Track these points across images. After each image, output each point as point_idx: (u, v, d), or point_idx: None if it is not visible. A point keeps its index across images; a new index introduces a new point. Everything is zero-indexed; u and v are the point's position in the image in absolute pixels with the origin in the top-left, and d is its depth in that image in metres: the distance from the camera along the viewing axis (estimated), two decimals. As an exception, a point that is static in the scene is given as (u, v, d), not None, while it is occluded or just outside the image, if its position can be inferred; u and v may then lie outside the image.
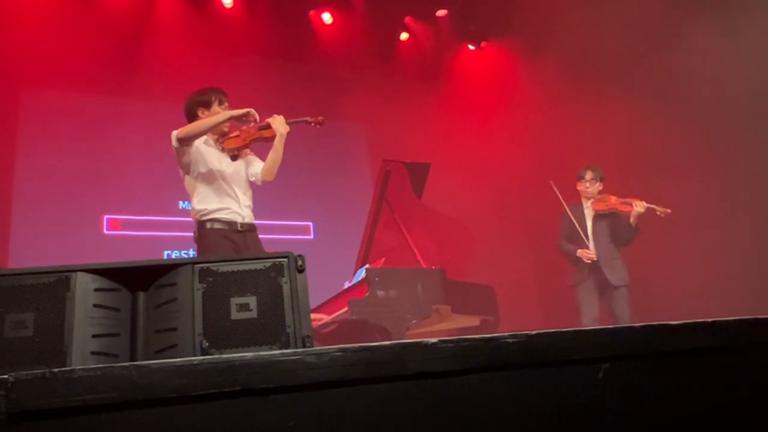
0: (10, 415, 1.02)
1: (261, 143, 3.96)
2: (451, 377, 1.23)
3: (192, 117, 3.89)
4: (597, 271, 5.08)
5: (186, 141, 3.74)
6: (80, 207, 6.51)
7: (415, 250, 4.99)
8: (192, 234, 3.88)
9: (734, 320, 1.45)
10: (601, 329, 1.37)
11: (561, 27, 6.72)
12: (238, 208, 3.83)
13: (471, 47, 8.94)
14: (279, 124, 3.87)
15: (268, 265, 1.71)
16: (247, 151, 4.03)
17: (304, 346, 1.61)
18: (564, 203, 5.31)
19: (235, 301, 1.65)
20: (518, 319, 5.78)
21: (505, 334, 1.30)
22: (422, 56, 8.51)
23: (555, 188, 5.32)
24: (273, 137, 3.87)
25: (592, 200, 5.25)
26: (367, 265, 4.68)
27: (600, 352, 1.33)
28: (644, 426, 1.32)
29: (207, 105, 3.89)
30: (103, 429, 1.07)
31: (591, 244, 5.15)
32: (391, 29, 8.49)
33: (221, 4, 7.57)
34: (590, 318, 5.04)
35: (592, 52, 6.49)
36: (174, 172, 3.97)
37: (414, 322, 4.46)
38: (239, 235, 3.79)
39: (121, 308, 1.66)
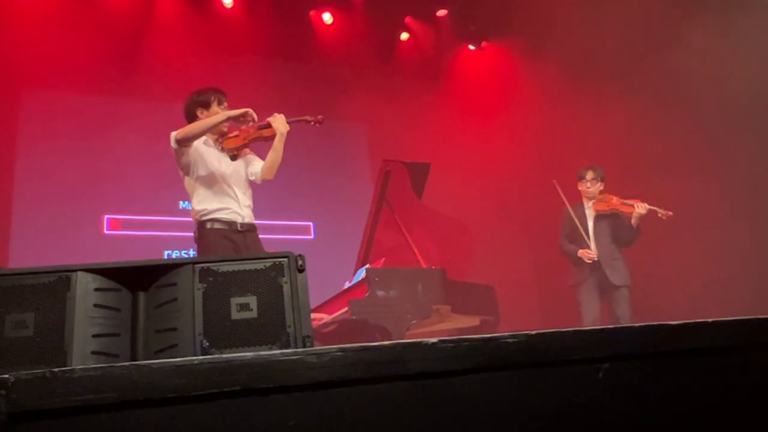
0: (11, 415, 1.02)
1: (261, 142, 3.96)
2: (451, 377, 1.23)
3: (191, 117, 3.89)
4: (598, 271, 5.08)
5: (184, 142, 3.73)
6: (80, 207, 6.51)
7: (415, 250, 4.99)
8: (192, 234, 3.88)
9: (734, 320, 1.45)
10: (601, 329, 1.37)
11: (561, 27, 6.72)
12: (238, 208, 3.83)
13: (471, 47, 8.94)
14: (279, 123, 3.87)
15: (268, 265, 1.71)
16: (247, 150, 4.03)
17: (304, 346, 1.61)
18: (566, 202, 5.31)
19: (236, 300, 1.65)
20: (518, 319, 5.78)
21: (505, 334, 1.30)
22: (422, 56, 8.51)
23: (558, 187, 5.32)
24: (273, 136, 3.87)
25: (593, 200, 5.25)
26: (367, 265, 4.68)
27: (600, 352, 1.33)
28: (644, 426, 1.32)
29: (206, 105, 3.89)
30: (104, 429, 1.07)
31: (592, 244, 5.15)
32: (391, 29, 8.49)
33: (221, 4, 7.57)
34: (591, 318, 5.04)
35: (592, 52, 6.49)
36: (174, 172, 3.97)
37: (414, 322, 4.46)
38: (239, 235, 3.79)
39: (122, 308, 1.66)
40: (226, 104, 3.92)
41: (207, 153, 3.85)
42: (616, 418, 1.31)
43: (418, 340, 1.25)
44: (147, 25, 7.16)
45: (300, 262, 1.72)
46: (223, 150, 3.93)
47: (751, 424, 1.38)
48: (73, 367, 1.26)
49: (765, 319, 1.45)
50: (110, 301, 1.65)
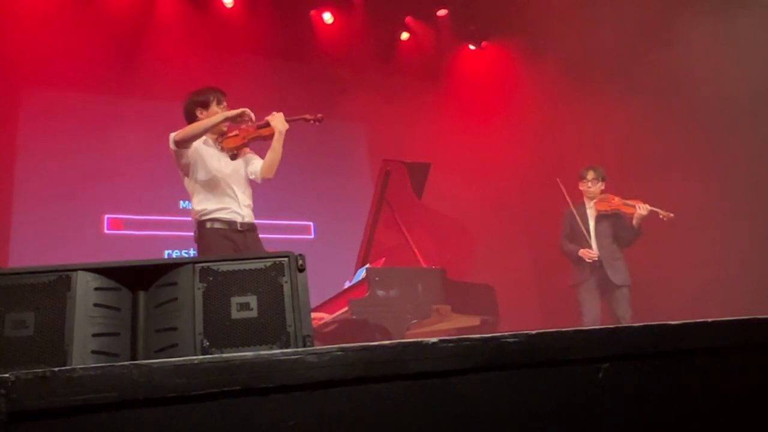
0: (11, 414, 1.02)
1: (262, 142, 3.96)
2: (451, 377, 1.23)
3: (191, 117, 3.89)
4: (599, 271, 5.08)
5: (182, 144, 3.74)
6: (80, 206, 6.51)
7: (415, 250, 4.99)
8: (192, 234, 3.89)
9: (734, 320, 1.45)
10: (601, 329, 1.37)
11: (561, 27, 6.72)
12: (238, 208, 3.83)
13: (471, 47, 8.94)
14: (278, 121, 3.87)
15: (268, 264, 1.71)
16: (247, 149, 4.03)
17: (304, 346, 1.61)
18: (570, 201, 5.31)
19: (236, 300, 1.65)
20: (518, 318, 5.78)
21: (505, 333, 1.30)
22: (422, 56, 8.50)
23: (561, 186, 5.32)
24: (272, 135, 3.87)
25: (594, 200, 5.25)
26: (367, 265, 4.68)
27: (600, 352, 1.33)
28: (644, 426, 1.32)
29: (205, 105, 3.89)
30: (104, 428, 1.07)
31: (593, 244, 5.15)
32: (392, 29, 8.49)
33: (222, 3, 7.57)
34: (591, 318, 5.04)
35: (592, 52, 6.49)
36: (174, 171, 3.97)
37: (414, 321, 4.46)
38: (239, 235, 3.79)
39: (122, 307, 1.66)
40: (225, 104, 3.92)
41: (206, 153, 3.85)
42: (616, 418, 1.31)
43: (418, 339, 1.25)
44: (147, 25, 7.16)
45: (300, 262, 1.72)
46: (222, 150, 3.93)
47: (751, 424, 1.38)
48: (73, 366, 1.26)
49: (765, 319, 1.46)
50: (110, 300, 1.65)
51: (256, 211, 3.99)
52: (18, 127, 6.54)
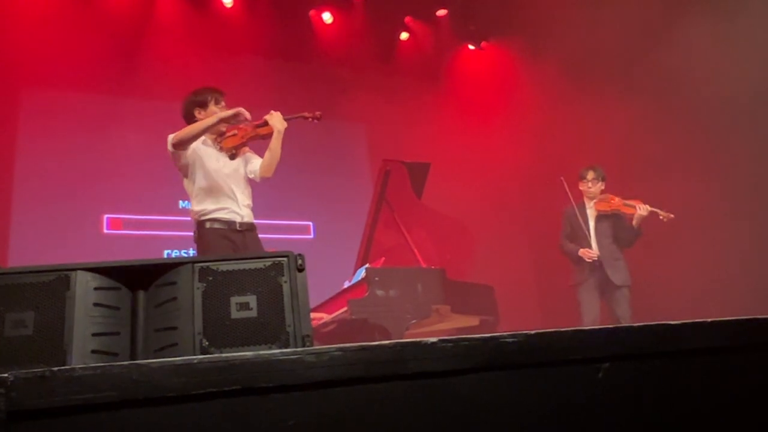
0: (10, 413, 1.02)
1: (261, 141, 3.96)
2: (450, 377, 1.23)
3: (189, 117, 3.89)
4: (599, 271, 5.09)
5: (180, 146, 3.74)
6: (80, 206, 6.51)
7: (415, 250, 4.99)
8: (192, 234, 3.89)
9: (734, 320, 1.45)
10: (601, 329, 1.37)
11: (561, 27, 6.72)
12: (237, 208, 3.83)
13: (471, 47, 8.94)
14: (276, 120, 3.87)
15: (268, 264, 1.71)
16: (246, 149, 4.03)
17: (303, 346, 1.61)
18: (573, 200, 5.30)
19: (235, 300, 1.65)
20: (518, 318, 5.78)
21: (505, 333, 1.30)
22: (422, 56, 8.50)
23: (566, 185, 5.31)
24: (271, 134, 3.87)
25: (594, 200, 5.25)
26: (366, 265, 4.68)
27: (600, 352, 1.33)
28: (644, 426, 1.32)
29: (203, 105, 3.89)
30: (103, 428, 1.07)
31: (593, 244, 5.15)
32: (391, 29, 8.49)
33: (221, 3, 7.57)
34: (590, 318, 5.05)
35: (592, 52, 6.49)
36: (174, 171, 3.97)
37: (413, 321, 4.46)
38: (238, 235, 3.79)
39: (121, 307, 1.66)
40: (223, 103, 3.92)
41: (205, 153, 3.85)
42: (616, 418, 1.31)
43: (418, 339, 1.25)
44: (147, 24, 7.16)
45: (300, 262, 1.72)
46: (221, 149, 3.93)
47: (750, 424, 1.38)
48: (72, 366, 1.26)
49: (765, 319, 1.46)
50: (110, 300, 1.65)
51: (256, 210, 3.99)
52: (18, 127, 6.54)
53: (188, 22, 7.29)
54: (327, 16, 8.13)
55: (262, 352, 1.18)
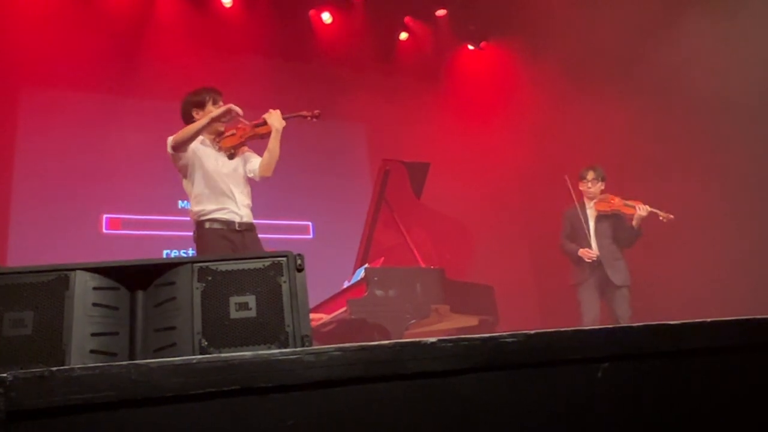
0: (9, 413, 1.02)
1: (260, 140, 3.95)
2: (449, 377, 1.23)
3: (187, 118, 3.89)
4: (599, 271, 5.09)
5: (179, 148, 3.75)
6: (79, 206, 6.50)
7: (414, 250, 4.99)
8: (191, 234, 3.89)
9: (733, 320, 1.45)
10: (600, 329, 1.37)
11: (561, 27, 6.72)
12: (236, 208, 3.83)
13: (471, 47, 8.94)
14: (274, 119, 3.87)
15: (267, 264, 1.71)
16: (245, 148, 4.03)
17: (303, 346, 1.61)
18: (576, 200, 5.30)
19: (234, 300, 1.65)
20: (517, 318, 5.78)
21: (504, 333, 1.29)
22: (422, 56, 8.50)
23: (569, 184, 5.31)
24: (269, 133, 3.86)
25: (594, 200, 5.25)
26: (366, 265, 4.68)
27: (599, 351, 1.33)
28: (643, 426, 1.32)
29: (201, 105, 3.90)
30: (102, 428, 1.07)
31: (593, 244, 5.15)
32: (391, 29, 8.49)
33: (221, 3, 7.56)
34: (590, 317, 5.05)
35: (592, 52, 6.49)
36: (173, 171, 3.97)
37: (413, 321, 4.46)
38: (237, 235, 3.79)
39: (120, 307, 1.66)
40: (221, 103, 3.91)
41: (204, 153, 3.85)
42: (615, 418, 1.31)
43: (417, 339, 1.25)
44: (146, 24, 7.15)
45: (299, 262, 1.72)
46: (220, 149, 3.93)
47: (750, 424, 1.38)
48: (71, 365, 1.26)
49: (765, 319, 1.45)
50: (109, 300, 1.65)
51: (255, 210, 3.98)
52: (17, 127, 6.54)
53: (188, 21, 7.29)
54: (326, 16, 8.12)
55: (261, 352, 1.18)
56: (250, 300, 1.65)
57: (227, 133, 3.94)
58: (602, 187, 5.27)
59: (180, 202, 6.73)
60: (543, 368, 1.29)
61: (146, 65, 6.94)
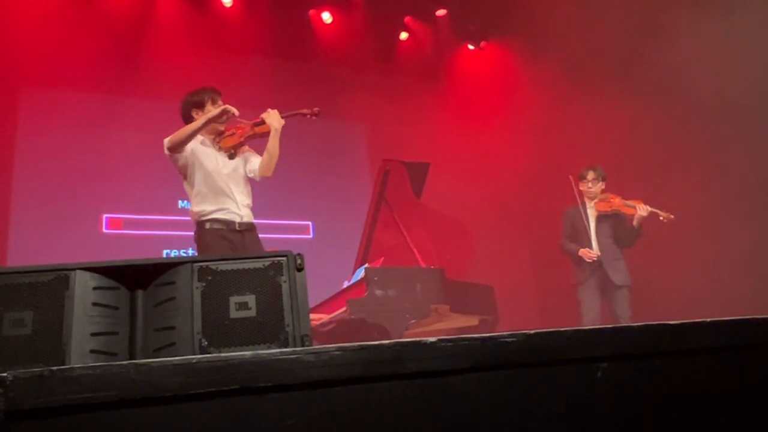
0: (8, 413, 1.02)
1: (260, 139, 3.95)
2: (449, 376, 1.23)
3: (187, 118, 3.90)
4: (599, 271, 5.09)
5: (175, 149, 3.75)
6: (79, 206, 6.50)
7: (414, 250, 4.99)
8: (192, 233, 3.89)
9: (733, 320, 1.45)
10: (600, 329, 1.37)
11: (561, 27, 6.72)
12: (236, 208, 3.82)
13: (471, 47, 8.94)
14: (273, 119, 3.86)
15: (267, 263, 1.71)
16: (245, 147, 4.02)
17: (302, 345, 1.61)
18: (580, 199, 5.30)
19: (234, 299, 1.65)
20: (517, 318, 5.78)
21: (504, 333, 1.30)
22: (422, 56, 8.50)
23: (573, 183, 5.31)
24: (269, 132, 3.86)
25: (595, 200, 5.25)
26: (366, 265, 4.68)
27: (598, 351, 1.33)
28: (642, 426, 1.32)
29: (200, 105, 3.89)
30: (102, 427, 1.07)
31: (594, 244, 5.15)
32: (391, 29, 8.49)
33: (221, 3, 7.56)
34: (590, 317, 5.05)
35: (592, 52, 6.49)
36: (173, 171, 3.97)
37: (413, 321, 4.46)
38: (237, 235, 3.79)
39: (120, 307, 1.66)
40: (220, 103, 3.91)
41: (204, 154, 3.85)
42: (615, 418, 1.31)
43: (417, 339, 1.25)
44: (146, 24, 7.15)
45: (299, 261, 1.72)
46: (220, 149, 3.93)
47: (750, 424, 1.38)
48: (71, 365, 1.26)
49: (765, 319, 1.45)
50: (109, 299, 1.65)
51: (255, 210, 3.98)
52: (17, 126, 6.53)
53: (188, 21, 7.29)
54: (326, 16, 8.12)
55: (260, 352, 1.18)
56: (250, 300, 1.65)
57: (227, 133, 3.94)
58: (603, 187, 5.27)
59: (180, 202, 6.73)
60: (543, 368, 1.29)
61: (146, 65, 6.94)
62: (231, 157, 3.93)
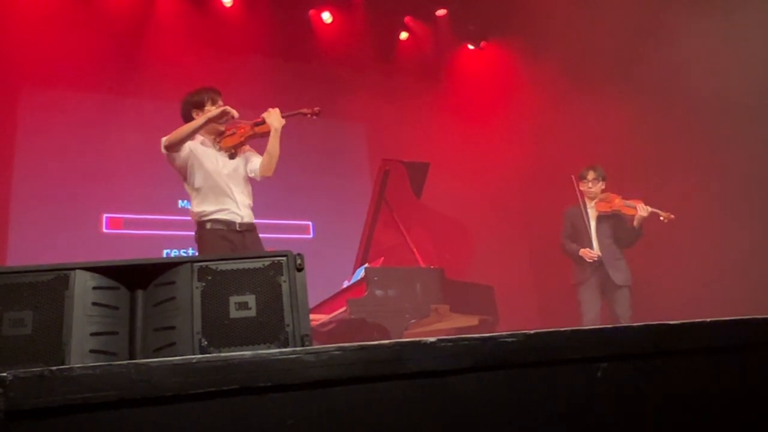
0: (8, 413, 1.02)
1: (261, 139, 3.95)
2: (449, 376, 1.23)
3: (187, 118, 3.90)
4: (600, 271, 5.09)
5: (172, 148, 3.75)
6: (79, 205, 6.50)
7: (414, 250, 4.98)
8: (192, 233, 3.89)
9: (732, 320, 1.45)
10: (600, 329, 1.37)
11: (561, 27, 6.72)
12: (237, 209, 3.82)
13: (471, 47, 8.94)
14: (273, 118, 3.86)
15: (267, 263, 1.71)
16: (246, 147, 4.02)
17: (302, 345, 1.61)
18: (581, 198, 5.30)
19: (234, 299, 1.65)
20: (516, 318, 5.78)
21: (504, 333, 1.29)
22: (422, 56, 8.50)
23: (575, 183, 5.30)
24: (269, 132, 3.86)
25: (595, 200, 5.25)
26: (366, 265, 4.68)
27: (598, 351, 1.33)
28: (641, 425, 1.32)
29: (200, 106, 3.89)
30: (102, 427, 1.07)
31: (594, 244, 5.15)
32: (391, 29, 8.49)
33: (221, 3, 7.56)
34: (590, 317, 5.05)
35: (592, 52, 6.49)
36: (173, 171, 3.97)
37: (413, 321, 4.46)
38: (238, 236, 3.79)
39: (120, 306, 1.66)
40: (220, 103, 3.91)
41: (204, 154, 3.85)
42: (615, 418, 1.31)
43: (417, 339, 1.25)
44: (146, 24, 7.15)
45: (299, 261, 1.72)
46: (220, 150, 3.93)
47: (750, 424, 1.38)
48: (71, 365, 1.26)
49: (765, 319, 1.45)
50: (109, 299, 1.64)
51: (255, 210, 3.98)
52: (17, 126, 6.53)
53: (188, 21, 7.29)
54: (326, 16, 8.12)
55: (260, 352, 1.18)
56: (250, 299, 1.65)
57: (227, 133, 3.94)
58: (603, 187, 5.27)
59: (180, 201, 6.73)
60: (542, 368, 1.29)
61: (146, 65, 6.94)
62: (231, 157, 3.93)
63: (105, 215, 6.69)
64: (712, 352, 1.41)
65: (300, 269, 1.71)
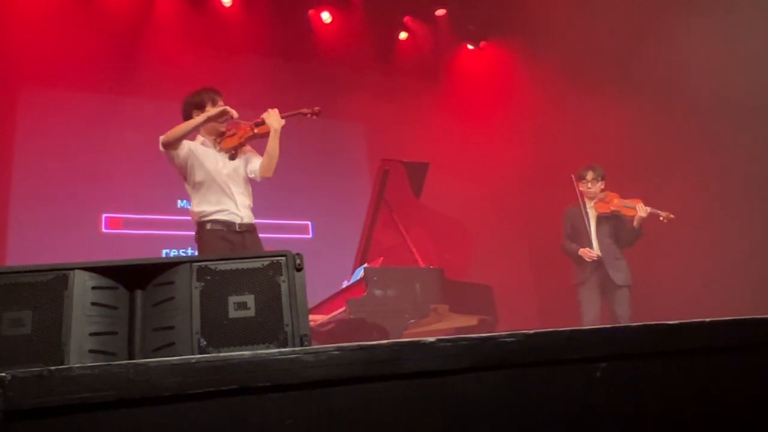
0: (7, 413, 1.02)
1: (261, 140, 3.95)
2: (448, 376, 1.23)
3: (188, 119, 3.89)
4: (600, 271, 5.09)
5: (169, 146, 3.74)
6: (78, 205, 6.50)
7: (414, 250, 4.98)
8: (191, 233, 3.89)
9: (732, 320, 1.44)
10: (599, 329, 1.37)
11: (560, 27, 6.72)
12: (236, 209, 3.82)
13: (470, 47, 8.94)
14: (273, 119, 3.86)
15: (266, 263, 1.70)
16: (247, 147, 4.02)
17: (301, 345, 1.61)
18: (581, 198, 5.29)
19: (233, 299, 1.65)
20: (516, 318, 5.77)
21: (503, 333, 1.29)
22: (421, 56, 8.50)
23: (575, 183, 5.30)
24: (269, 133, 3.86)
25: (594, 200, 5.25)
26: (365, 265, 4.68)
27: (597, 351, 1.33)
28: (641, 426, 1.31)
29: (200, 106, 3.89)
30: (101, 427, 1.07)
31: (594, 244, 5.15)
32: (391, 28, 8.49)
33: (220, 3, 7.56)
34: (590, 317, 5.05)
35: (592, 52, 6.49)
36: (173, 171, 3.97)
37: (412, 321, 4.46)
38: (237, 236, 3.79)
39: (119, 306, 1.66)
40: (221, 103, 3.91)
41: (204, 154, 3.85)
42: (614, 418, 1.31)
43: (416, 339, 1.25)
44: (146, 24, 7.15)
45: (298, 261, 1.72)
46: (221, 150, 3.93)
47: (750, 424, 1.38)
48: (70, 365, 1.26)
49: (765, 319, 1.45)
50: (108, 299, 1.64)
51: (255, 210, 3.98)
52: (17, 126, 6.53)
53: (187, 21, 7.29)
54: (326, 16, 8.12)
55: (259, 352, 1.18)
56: (249, 299, 1.65)
57: (228, 134, 3.94)
58: (602, 187, 5.27)
59: (179, 201, 6.73)
60: (542, 368, 1.29)
61: (146, 65, 6.94)
62: (232, 157, 3.93)
63: (104, 215, 6.69)
64: (712, 352, 1.41)
65: (299, 269, 1.71)
